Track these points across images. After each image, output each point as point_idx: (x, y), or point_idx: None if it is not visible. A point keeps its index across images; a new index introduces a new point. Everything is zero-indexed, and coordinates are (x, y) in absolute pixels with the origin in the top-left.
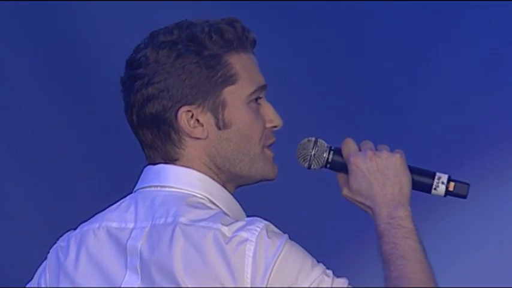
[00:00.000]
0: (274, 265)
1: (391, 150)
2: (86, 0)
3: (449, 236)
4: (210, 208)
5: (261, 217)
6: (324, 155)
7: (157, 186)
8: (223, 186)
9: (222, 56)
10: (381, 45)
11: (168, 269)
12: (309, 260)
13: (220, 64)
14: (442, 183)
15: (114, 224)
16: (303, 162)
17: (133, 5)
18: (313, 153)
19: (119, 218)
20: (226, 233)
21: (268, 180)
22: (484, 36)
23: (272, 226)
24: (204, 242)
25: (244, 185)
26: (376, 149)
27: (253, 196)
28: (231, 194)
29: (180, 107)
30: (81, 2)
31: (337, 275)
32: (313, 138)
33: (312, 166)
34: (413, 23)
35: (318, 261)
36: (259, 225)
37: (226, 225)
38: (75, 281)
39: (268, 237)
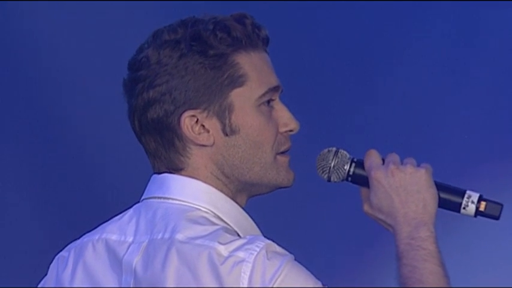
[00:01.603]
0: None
1: (418, 164)
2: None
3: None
4: (213, 223)
5: (275, 231)
6: (345, 167)
7: (160, 197)
8: (233, 198)
9: (229, 55)
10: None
11: None
12: (311, 282)
13: (227, 64)
14: (472, 202)
15: (114, 237)
16: (322, 174)
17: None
18: (332, 164)
19: (120, 230)
20: (223, 253)
21: (283, 188)
22: (443, 35)
23: (274, 245)
24: (198, 261)
25: (257, 194)
26: (402, 163)
27: (268, 207)
28: (242, 207)
29: (184, 112)
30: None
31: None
32: (334, 149)
33: (332, 178)
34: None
35: (324, 284)
36: (259, 245)
37: (224, 244)
38: None
39: (268, 258)
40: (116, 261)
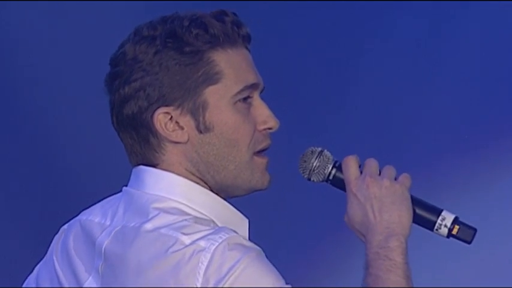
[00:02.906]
0: (226, 281)
1: (398, 174)
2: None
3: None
4: (185, 214)
5: (254, 229)
6: (326, 171)
7: (138, 190)
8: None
9: (205, 52)
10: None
11: (122, 278)
12: (271, 279)
13: (202, 61)
14: (445, 226)
15: (97, 219)
16: (303, 174)
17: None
18: (314, 165)
19: (103, 212)
20: (185, 241)
21: (258, 190)
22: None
23: (240, 238)
24: (159, 249)
25: (233, 196)
26: (380, 172)
27: (248, 204)
28: (222, 198)
29: (157, 109)
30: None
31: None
32: (318, 149)
33: (312, 179)
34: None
35: (287, 282)
36: (223, 236)
37: (187, 234)
38: (57, 274)
39: (229, 250)
40: (91, 244)
